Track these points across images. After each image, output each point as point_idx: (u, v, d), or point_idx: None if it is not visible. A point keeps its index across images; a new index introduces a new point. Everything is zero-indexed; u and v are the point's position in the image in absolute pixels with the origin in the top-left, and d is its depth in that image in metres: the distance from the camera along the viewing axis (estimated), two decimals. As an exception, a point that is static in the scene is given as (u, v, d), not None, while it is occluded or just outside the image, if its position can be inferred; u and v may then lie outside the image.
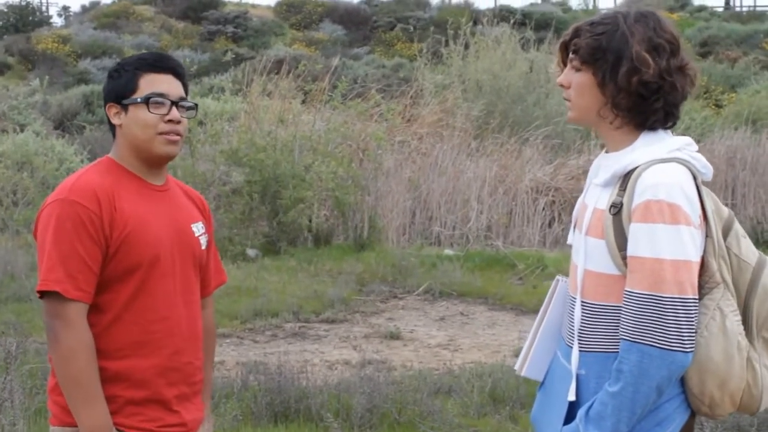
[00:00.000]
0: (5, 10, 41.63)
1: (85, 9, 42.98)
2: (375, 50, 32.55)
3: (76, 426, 2.25)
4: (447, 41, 16.40)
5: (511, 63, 15.56)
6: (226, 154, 10.87)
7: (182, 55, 26.97)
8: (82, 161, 12.79)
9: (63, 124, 18.90)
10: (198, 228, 2.48)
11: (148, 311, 2.30)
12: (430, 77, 15.78)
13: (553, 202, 12.12)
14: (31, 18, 41.50)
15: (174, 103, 2.36)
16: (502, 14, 24.82)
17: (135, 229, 2.28)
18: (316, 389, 5.09)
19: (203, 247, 2.49)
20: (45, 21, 42.41)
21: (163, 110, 2.34)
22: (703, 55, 28.89)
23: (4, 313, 7.19)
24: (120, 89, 2.35)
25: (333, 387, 5.28)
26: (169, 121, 2.34)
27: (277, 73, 13.81)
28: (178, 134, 2.37)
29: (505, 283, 9.11)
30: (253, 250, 10.25)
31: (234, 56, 21.18)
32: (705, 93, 21.02)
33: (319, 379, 5.58)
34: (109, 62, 29.46)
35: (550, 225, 11.92)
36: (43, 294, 2.22)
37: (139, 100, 2.32)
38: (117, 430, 2.26)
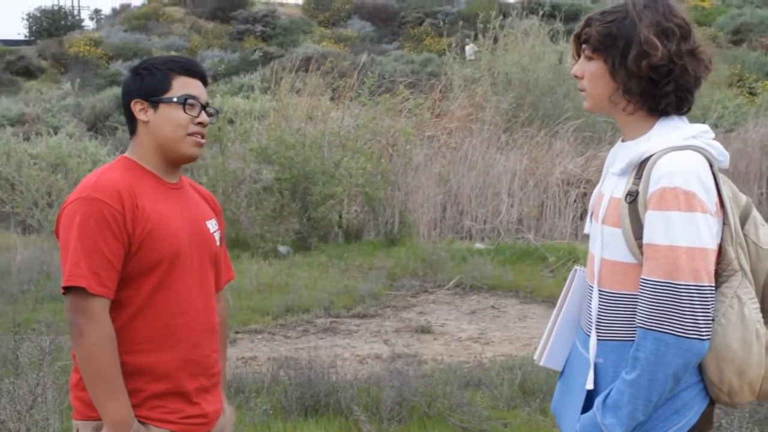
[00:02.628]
0: (38, 15, 42.17)
1: (115, 12, 43.43)
2: (404, 46, 32.57)
3: (98, 420, 2.29)
4: (476, 35, 16.36)
5: (540, 55, 15.49)
6: (256, 152, 10.93)
7: (212, 55, 27.19)
8: (115, 162, 12.92)
9: (96, 125, 19.13)
10: (212, 225, 2.54)
11: (168, 306, 2.34)
12: (459, 71, 15.75)
13: (585, 194, 12.03)
14: (63, 22, 42.03)
15: (203, 107, 2.43)
16: (531, 6, 24.64)
17: (156, 226, 2.32)
18: (346, 383, 5.11)
19: (217, 244, 2.55)
20: (77, 25, 42.91)
21: (195, 112, 2.40)
22: (736, 43, 28.54)
23: (41, 312, 7.30)
24: (151, 87, 2.39)
25: (363, 381, 5.31)
26: (199, 123, 2.41)
27: (305, 71, 13.88)
28: (204, 137, 2.45)
29: (536, 275, 9.09)
30: (284, 246, 10.31)
31: (262, 55, 21.27)
32: (738, 81, 20.79)
33: (349, 373, 5.61)
34: (140, 64, 29.77)
35: (581, 217, 11.85)
36: (67, 290, 2.25)
37: (175, 99, 2.38)
38: (140, 422, 2.30)
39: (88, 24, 45.09)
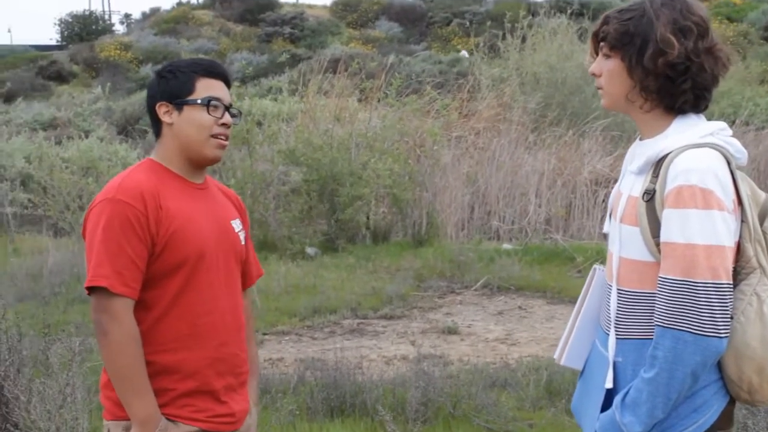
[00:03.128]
0: (70, 20, 42.67)
1: (145, 16, 43.85)
2: (432, 46, 32.55)
3: (128, 419, 2.32)
4: (504, 34, 16.31)
5: (568, 54, 15.41)
6: (284, 154, 10.99)
7: (240, 58, 27.32)
8: (145, 165, 13.05)
9: (126, 129, 19.32)
10: (237, 224, 2.56)
11: (194, 305, 2.36)
12: (487, 71, 15.72)
13: (613, 193, 11.96)
14: (94, 27, 42.50)
15: (226, 108, 2.45)
16: (559, 5, 24.55)
17: (181, 227, 2.35)
18: (372, 384, 5.12)
19: (242, 243, 2.57)
20: (108, 29, 43.39)
21: (218, 113, 2.43)
22: (768, 39, 28.20)
23: (71, 314, 7.39)
24: (176, 90, 2.41)
25: (388, 382, 5.32)
26: (223, 124, 2.44)
27: (333, 72, 13.92)
28: (227, 138, 2.47)
29: (564, 276, 9.05)
30: (312, 248, 10.35)
31: (290, 57, 21.36)
32: (771, 78, 20.54)
33: (375, 374, 5.62)
34: (170, 68, 30.04)
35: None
36: (91, 290, 2.28)
37: (199, 101, 2.41)
38: (169, 419, 2.32)
39: (119, 28, 45.61)
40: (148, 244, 2.30)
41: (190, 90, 2.41)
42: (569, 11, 17.18)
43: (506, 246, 10.38)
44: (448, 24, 35.53)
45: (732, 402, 2.03)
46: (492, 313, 7.94)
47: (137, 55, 32.63)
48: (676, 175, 1.94)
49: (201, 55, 25.75)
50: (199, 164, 2.47)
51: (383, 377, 5.51)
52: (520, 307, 8.09)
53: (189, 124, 2.41)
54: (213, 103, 2.42)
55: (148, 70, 29.90)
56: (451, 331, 7.22)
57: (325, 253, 10.27)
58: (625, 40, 2.04)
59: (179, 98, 2.41)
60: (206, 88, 2.43)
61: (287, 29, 35.23)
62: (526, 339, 7.05)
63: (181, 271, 2.35)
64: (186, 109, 2.41)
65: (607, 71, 2.10)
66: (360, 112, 12.41)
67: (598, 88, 2.14)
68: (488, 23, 22.38)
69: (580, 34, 16.34)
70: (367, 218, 10.94)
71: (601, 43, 2.11)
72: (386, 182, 10.69)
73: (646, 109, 2.08)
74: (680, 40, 2.00)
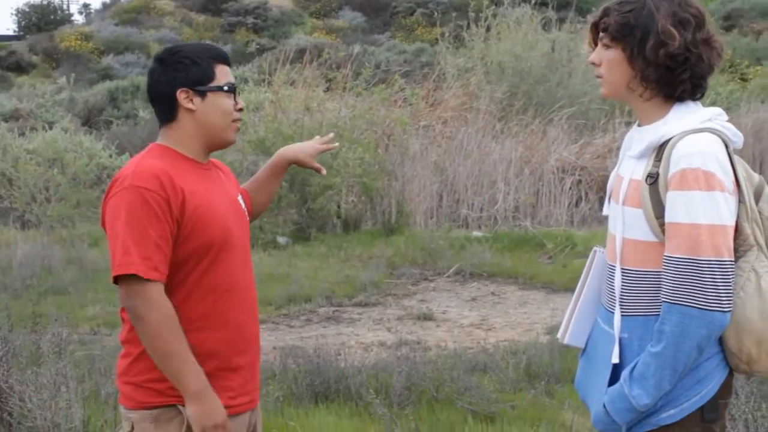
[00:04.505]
0: (27, 9, 42.02)
1: (105, 6, 43.34)
2: (396, 36, 32.58)
3: (156, 407, 2.34)
4: (468, 24, 16.39)
5: (533, 44, 15.53)
6: (254, 144, 10.99)
7: (204, 48, 27.07)
8: (110, 156, 12.97)
9: (90, 120, 19.13)
10: (241, 200, 2.62)
11: (218, 285, 2.40)
12: (452, 61, 15.79)
13: (580, 181, 12.14)
14: (52, 17, 41.88)
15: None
16: (523, -5, 24.68)
17: (203, 208, 2.38)
18: (354, 370, 5.19)
19: (248, 218, 2.63)
20: (66, 19, 42.79)
21: (236, 99, 2.50)
22: (728, 29, 28.64)
23: (44, 306, 7.34)
24: (198, 77, 2.43)
25: (371, 367, 5.39)
26: (240, 109, 2.51)
27: (300, 62, 13.90)
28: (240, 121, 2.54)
29: (534, 262, 9.18)
30: (283, 237, 10.38)
31: (258, 47, 21.28)
32: (730, 67, 20.86)
33: (356, 360, 5.69)
34: (132, 57, 29.72)
35: (577, 204, 11.96)
36: (118, 279, 2.29)
37: (225, 88, 2.45)
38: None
39: (78, 18, 45.00)
40: (172, 226, 2.32)
41: (211, 77, 2.44)
42: (533, 1, 17.29)
43: (476, 233, 10.50)
44: (411, 14, 35.58)
45: (731, 373, 2.14)
46: (465, 299, 8.04)
47: (98, 46, 32.25)
48: (679, 159, 2.04)
49: (168, 45, 25.56)
50: (218, 147, 2.52)
51: (365, 363, 5.58)
52: (493, 293, 8.20)
53: (214, 110, 2.45)
54: (234, 89, 2.47)
55: (109, 61, 29.59)
56: (427, 317, 7.31)
57: (296, 242, 10.30)
58: (626, 32, 2.13)
59: (201, 84, 2.43)
60: (224, 74, 2.47)
61: (250, 19, 35.06)
62: (501, 324, 7.16)
63: (209, 253, 2.37)
64: (210, 95, 2.44)
65: (608, 61, 2.18)
66: (328, 102, 12.43)
67: (597, 77, 2.22)
68: (453, 13, 22.47)
69: (544, 24, 16.47)
70: (338, 207, 10.99)
71: (602, 34, 2.19)
72: (356, 171, 10.73)
73: (646, 97, 2.17)
74: (680, 32, 2.09)
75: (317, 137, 3.01)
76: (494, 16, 16.36)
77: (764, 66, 20.79)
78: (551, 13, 16.84)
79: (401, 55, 23.91)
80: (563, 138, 13.13)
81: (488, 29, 16.16)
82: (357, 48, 18.49)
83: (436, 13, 25.85)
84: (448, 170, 12.05)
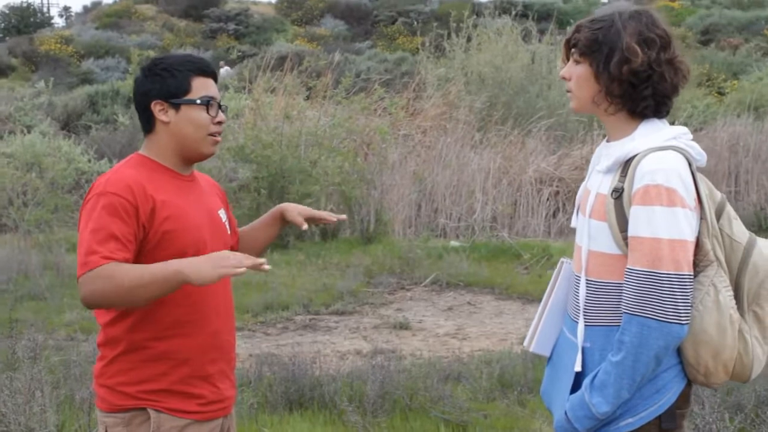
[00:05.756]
0: (6, 11, 41.79)
1: (86, 9, 43.16)
2: (377, 44, 32.67)
3: (128, 410, 2.37)
4: (449, 34, 16.50)
5: (513, 55, 15.65)
6: (233, 151, 11.00)
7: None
8: (89, 161, 12.93)
9: (68, 124, 19.03)
10: (222, 215, 2.64)
11: (191, 294, 2.41)
12: (433, 70, 15.89)
13: (557, 192, 12.23)
14: (32, 19, 41.67)
15: (219, 106, 2.52)
16: (504, 6, 24.89)
17: (175, 218, 2.40)
18: (329, 378, 5.22)
19: (229, 233, 2.65)
20: (46, 22, 42.58)
21: (214, 112, 2.49)
22: (705, 43, 28.95)
23: (21, 311, 7.32)
24: (172, 89, 2.45)
25: (345, 375, 5.41)
26: (218, 122, 2.50)
27: (280, 70, 13.93)
28: (220, 135, 2.53)
29: (511, 272, 9.24)
30: (261, 245, 10.37)
31: (240, 54, 21.28)
32: (707, 81, 21.09)
33: (331, 368, 5.72)
34: (112, 62, 29.62)
35: (554, 215, 12.05)
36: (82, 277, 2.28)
37: (198, 101, 2.45)
38: (157, 411, 2.38)
39: (58, 21, 44.79)
40: (137, 230, 2.33)
41: (187, 89, 2.46)
42: (513, 12, 17.43)
43: (454, 243, 10.56)
44: (393, 23, 35.70)
45: (689, 384, 2.21)
46: (442, 308, 8.08)
47: (78, 49, 32.11)
48: (643, 175, 2.11)
49: (151, 52, 25.42)
50: (192, 160, 2.54)
51: (340, 371, 5.61)
52: (469, 303, 8.26)
53: (187, 123, 2.46)
54: (211, 102, 2.47)
55: (89, 65, 29.45)
56: (403, 326, 7.34)
57: (275, 249, 10.31)
58: (594, 48, 2.21)
59: (176, 97, 2.45)
60: (202, 87, 2.47)
61: (232, 25, 35.06)
62: (476, 334, 7.21)
63: None
64: (183, 108, 2.46)
65: (577, 76, 2.26)
66: (308, 110, 12.46)
67: (568, 91, 2.30)
68: (434, 23, 22.58)
69: (524, 35, 16.61)
70: (317, 215, 10.99)
71: (572, 50, 2.26)
72: (335, 180, 10.78)
73: (610, 112, 2.25)
74: (644, 50, 2.17)
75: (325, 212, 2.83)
76: (475, 26, 16.49)
77: (741, 80, 21.01)
78: (531, 25, 16.99)
79: (382, 64, 23.99)
80: (541, 149, 13.22)
81: (469, 39, 16.28)
82: (338, 56, 18.52)
83: (417, 23, 26.01)
84: (426, 180, 12.11)
